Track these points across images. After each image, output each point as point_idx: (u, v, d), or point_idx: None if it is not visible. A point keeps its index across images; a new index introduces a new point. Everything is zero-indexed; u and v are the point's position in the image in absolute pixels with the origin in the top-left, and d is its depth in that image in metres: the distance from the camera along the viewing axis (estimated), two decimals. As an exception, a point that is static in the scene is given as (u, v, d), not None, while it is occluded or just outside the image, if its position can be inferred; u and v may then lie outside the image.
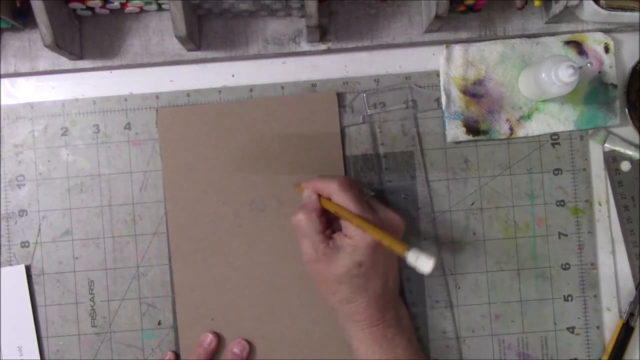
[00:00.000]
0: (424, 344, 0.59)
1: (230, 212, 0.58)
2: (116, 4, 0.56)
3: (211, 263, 0.58)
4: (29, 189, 0.59)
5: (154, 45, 0.58)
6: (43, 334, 0.59)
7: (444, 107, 0.59)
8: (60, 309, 0.59)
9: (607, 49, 0.59)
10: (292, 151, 0.59)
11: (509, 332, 0.59)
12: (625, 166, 0.60)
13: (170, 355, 0.58)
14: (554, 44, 0.59)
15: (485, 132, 0.59)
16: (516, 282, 0.59)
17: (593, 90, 0.59)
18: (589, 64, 0.59)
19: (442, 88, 0.59)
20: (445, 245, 0.59)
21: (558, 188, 0.60)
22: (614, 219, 0.60)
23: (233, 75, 0.60)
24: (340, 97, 0.59)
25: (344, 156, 0.59)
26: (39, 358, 0.58)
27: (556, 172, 0.60)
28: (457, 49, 0.59)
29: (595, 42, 0.59)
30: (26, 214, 0.59)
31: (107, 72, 0.60)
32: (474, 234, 0.59)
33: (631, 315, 0.59)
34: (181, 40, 0.54)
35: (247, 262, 0.58)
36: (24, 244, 0.59)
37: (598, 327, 0.59)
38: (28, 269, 0.59)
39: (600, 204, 0.60)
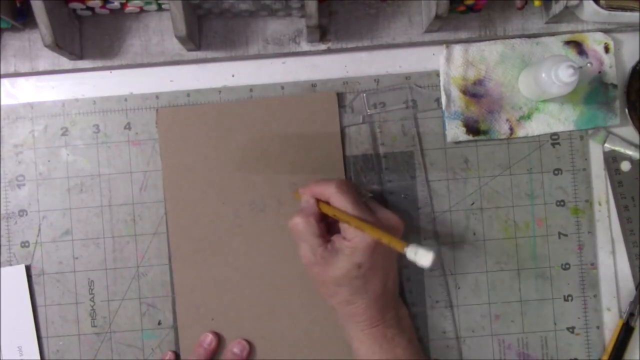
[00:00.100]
0: (424, 344, 0.59)
1: (230, 212, 0.59)
2: (116, 4, 0.56)
3: (211, 263, 0.58)
4: (29, 189, 0.59)
5: (154, 45, 0.58)
6: (43, 334, 0.59)
7: (444, 107, 0.59)
8: (60, 309, 0.59)
9: (607, 49, 0.59)
10: (292, 151, 0.59)
11: (509, 332, 0.59)
12: (625, 166, 0.60)
13: (170, 355, 0.58)
14: (554, 44, 0.59)
15: (485, 132, 0.59)
16: (516, 282, 0.59)
17: (593, 90, 0.59)
18: (589, 64, 0.59)
19: (442, 88, 0.59)
20: (445, 245, 0.59)
21: (558, 188, 0.60)
22: (614, 219, 0.60)
23: (233, 75, 0.60)
24: (340, 97, 0.59)
25: (344, 156, 0.59)
26: (39, 358, 0.58)
27: (556, 172, 0.60)
28: (457, 49, 0.59)
29: (595, 42, 0.59)
30: (26, 214, 0.59)
31: (107, 72, 0.60)
32: (474, 234, 0.59)
33: (631, 315, 0.59)
34: (181, 40, 0.54)
35: (247, 262, 0.58)
36: (24, 244, 0.59)
37: (598, 327, 0.59)
38: (28, 269, 0.59)
39: (600, 204, 0.60)
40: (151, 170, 0.59)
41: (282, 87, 0.59)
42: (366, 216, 0.51)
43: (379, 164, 0.59)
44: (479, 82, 0.59)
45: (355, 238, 0.50)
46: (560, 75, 0.52)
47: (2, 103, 0.59)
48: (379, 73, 0.60)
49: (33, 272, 0.59)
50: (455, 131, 0.59)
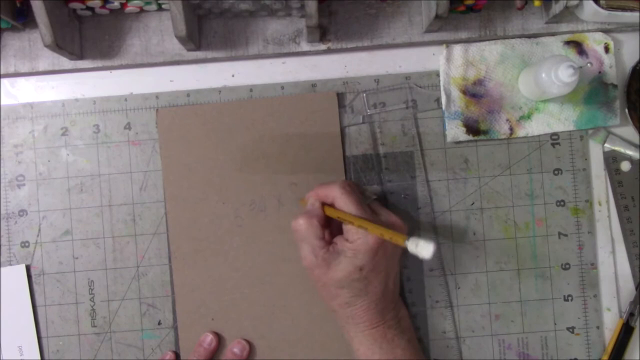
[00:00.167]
0: (424, 344, 0.59)
1: (230, 212, 0.59)
2: (116, 4, 0.56)
3: (211, 263, 0.58)
4: (29, 189, 0.59)
5: (154, 45, 0.58)
6: (43, 334, 0.59)
7: (444, 107, 0.59)
8: (60, 309, 0.59)
9: (607, 49, 0.59)
10: (292, 151, 0.59)
11: (509, 332, 0.59)
12: (625, 166, 0.60)
13: (170, 355, 0.58)
14: (554, 44, 0.59)
15: (485, 132, 0.59)
16: (516, 282, 0.59)
17: (593, 90, 0.59)
18: (589, 64, 0.59)
19: (442, 88, 0.59)
20: (445, 245, 0.59)
21: (558, 188, 0.60)
22: (614, 219, 0.60)
23: (233, 75, 0.60)
24: (340, 97, 0.59)
25: (344, 156, 0.59)
26: (39, 358, 0.58)
27: (556, 172, 0.60)
28: (457, 49, 0.59)
29: (595, 42, 0.59)
30: (26, 214, 0.59)
31: (107, 72, 0.60)
32: (474, 234, 0.59)
33: (631, 315, 0.59)
34: (181, 40, 0.54)
35: (247, 262, 0.58)
36: (24, 244, 0.59)
37: (598, 327, 0.59)
38: (28, 269, 0.59)
39: (600, 204, 0.60)
40: (151, 170, 0.59)
41: (282, 87, 0.59)
42: (369, 217, 0.51)
43: (379, 164, 0.59)
44: (479, 82, 0.59)
45: (357, 240, 0.50)
46: (560, 75, 0.52)
47: (2, 103, 0.59)
48: (379, 73, 0.60)
49: (33, 272, 0.59)
50: (455, 131, 0.59)
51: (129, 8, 0.57)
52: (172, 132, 0.59)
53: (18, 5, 0.55)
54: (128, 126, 0.59)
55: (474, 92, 0.59)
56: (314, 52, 0.59)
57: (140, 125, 0.59)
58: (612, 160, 0.60)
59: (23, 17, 0.56)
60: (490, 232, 0.59)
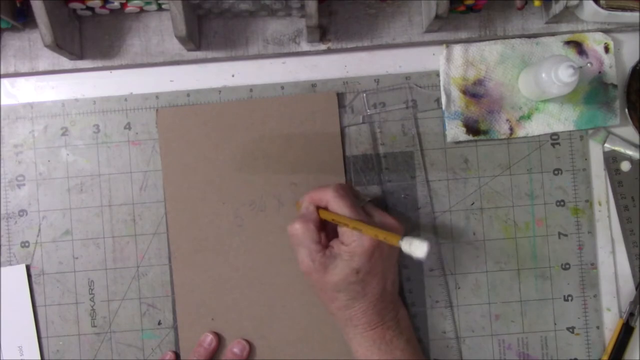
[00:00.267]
0: (424, 344, 0.59)
1: (230, 212, 0.59)
2: (116, 4, 0.56)
3: (211, 263, 0.58)
4: (29, 189, 0.59)
5: (154, 45, 0.58)
6: (43, 334, 0.59)
7: (444, 107, 0.59)
8: (60, 309, 0.59)
9: (607, 49, 0.59)
10: (292, 151, 0.59)
11: (509, 332, 0.59)
12: (625, 166, 0.60)
13: (170, 355, 0.58)
14: (554, 44, 0.59)
15: (485, 132, 0.59)
16: (516, 282, 0.59)
17: (593, 90, 0.59)
18: (589, 64, 0.59)
19: (442, 88, 0.59)
20: (445, 245, 0.59)
21: (558, 188, 0.60)
22: (614, 219, 0.60)
23: (233, 75, 0.60)
24: (340, 97, 0.59)
25: (344, 156, 0.59)
26: (39, 358, 0.58)
27: (556, 172, 0.60)
28: (457, 49, 0.59)
29: (595, 42, 0.59)
30: (26, 214, 0.59)
31: (107, 72, 0.60)
32: (474, 234, 0.59)
33: (631, 315, 0.59)
34: (181, 40, 0.54)
35: (247, 262, 0.58)
36: (24, 244, 0.59)
37: (598, 327, 0.59)
38: (28, 269, 0.59)
39: (600, 204, 0.60)
40: (151, 170, 0.59)
41: (282, 87, 0.59)
42: (363, 219, 0.51)
43: (379, 164, 0.59)
44: (479, 82, 0.59)
45: (352, 243, 0.50)
46: (560, 75, 0.52)
47: (2, 103, 0.59)
48: (379, 73, 0.60)
49: (33, 272, 0.59)
50: (455, 131, 0.59)
51: (129, 8, 0.57)
52: (172, 132, 0.59)
53: (18, 5, 0.55)
54: (128, 126, 0.59)
55: (474, 92, 0.59)
56: (314, 52, 0.59)
57: (140, 125, 0.59)
58: (612, 160, 0.60)
59: (23, 17, 0.56)
60: (490, 232, 0.59)
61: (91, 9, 0.57)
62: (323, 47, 0.58)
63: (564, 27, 0.59)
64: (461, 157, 0.59)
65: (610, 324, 0.59)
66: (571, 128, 0.59)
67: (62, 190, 0.59)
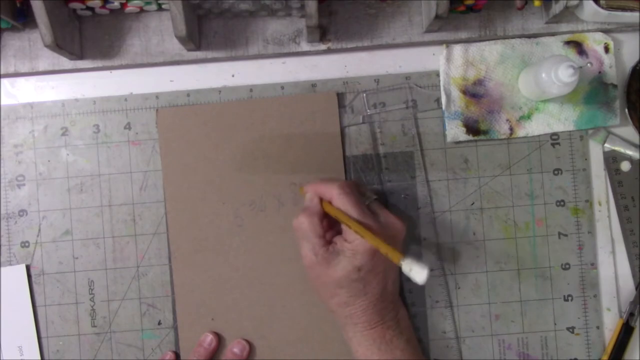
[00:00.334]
0: (424, 344, 0.59)
1: (230, 212, 0.59)
2: (116, 4, 0.56)
3: (211, 263, 0.58)
4: (29, 189, 0.59)
5: (154, 45, 0.58)
6: (43, 334, 0.59)
7: (444, 107, 0.59)
8: (60, 309, 0.59)
9: (607, 49, 0.59)
10: (292, 151, 0.59)
11: (509, 332, 0.59)
12: (625, 166, 0.60)
13: (170, 355, 0.58)
14: (554, 44, 0.59)
15: (485, 132, 0.59)
16: (516, 282, 0.59)
17: (593, 90, 0.59)
18: (589, 64, 0.59)
19: (442, 88, 0.59)
20: (445, 245, 0.59)
21: (558, 188, 0.60)
22: (614, 219, 0.60)
23: (233, 75, 0.60)
24: (340, 97, 0.59)
25: (344, 156, 0.59)
26: (39, 358, 0.58)
27: (556, 172, 0.60)
28: (457, 49, 0.59)
29: (595, 42, 0.59)
30: (26, 214, 0.59)
31: (107, 72, 0.60)
32: (474, 234, 0.59)
33: (631, 315, 0.59)
34: (181, 40, 0.54)
35: (247, 262, 0.58)
36: (24, 244, 0.59)
37: (598, 327, 0.59)
38: (28, 269, 0.59)
39: (600, 204, 0.60)
40: (151, 170, 0.59)
41: (282, 87, 0.59)
42: (367, 220, 0.51)
43: (379, 164, 0.59)
44: (479, 82, 0.59)
45: (356, 240, 0.50)
46: (560, 75, 0.52)
47: (2, 103, 0.59)
48: (379, 73, 0.60)
49: (33, 272, 0.59)
50: (455, 131, 0.59)
51: (129, 8, 0.57)
52: (172, 132, 0.59)
53: (18, 5, 0.55)
54: (128, 126, 0.59)
55: (474, 92, 0.59)
56: (314, 52, 0.59)
57: (140, 125, 0.59)
58: (612, 160, 0.60)
59: (23, 17, 0.56)
60: (490, 232, 0.59)
61: (91, 9, 0.57)
62: (323, 47, 0.58)
63: (564, 27, 0.59)
64: (461, 157, 0.59)
65: (610, 324, 0.59)
66: (571, 128, 0.59)
67: (62, 190, 0.59)
